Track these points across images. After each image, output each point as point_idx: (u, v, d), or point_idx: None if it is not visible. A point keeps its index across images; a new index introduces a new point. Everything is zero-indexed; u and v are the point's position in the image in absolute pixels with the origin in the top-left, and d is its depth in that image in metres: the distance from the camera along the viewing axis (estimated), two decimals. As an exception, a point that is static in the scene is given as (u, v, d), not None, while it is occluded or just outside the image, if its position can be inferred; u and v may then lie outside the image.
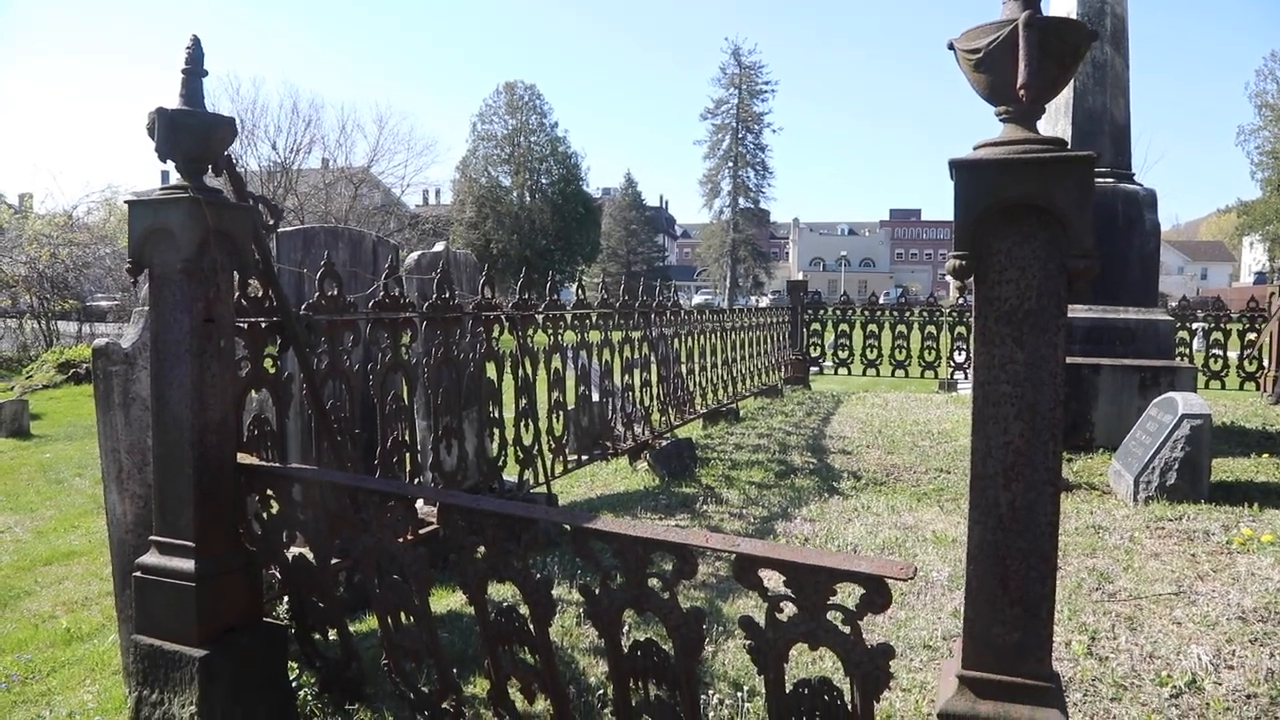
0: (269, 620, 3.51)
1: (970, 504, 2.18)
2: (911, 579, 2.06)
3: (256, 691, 3.26)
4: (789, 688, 2.35)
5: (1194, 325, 14.02)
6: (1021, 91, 2.02)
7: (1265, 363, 13.04)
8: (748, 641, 2.34)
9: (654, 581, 2.50)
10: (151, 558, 3.23)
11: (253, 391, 3.57)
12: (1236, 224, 68.30)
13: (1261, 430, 8.82)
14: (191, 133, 3.10)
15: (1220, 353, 13.55)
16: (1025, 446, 2.11)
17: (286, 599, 3.68)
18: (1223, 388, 13.21)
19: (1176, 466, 5.82)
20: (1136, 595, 4.24)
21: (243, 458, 3.36)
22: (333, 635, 3.50)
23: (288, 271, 4.46)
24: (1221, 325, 13.72)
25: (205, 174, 3.21)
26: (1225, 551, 4.82)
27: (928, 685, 3.43)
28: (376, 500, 3.07)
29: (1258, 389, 13.01)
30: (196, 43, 3.19)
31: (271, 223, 3.53)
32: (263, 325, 3.52)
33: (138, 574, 3.24)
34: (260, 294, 3.51)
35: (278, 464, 3.49)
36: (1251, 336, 13.58)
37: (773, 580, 2.26)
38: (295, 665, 3.62)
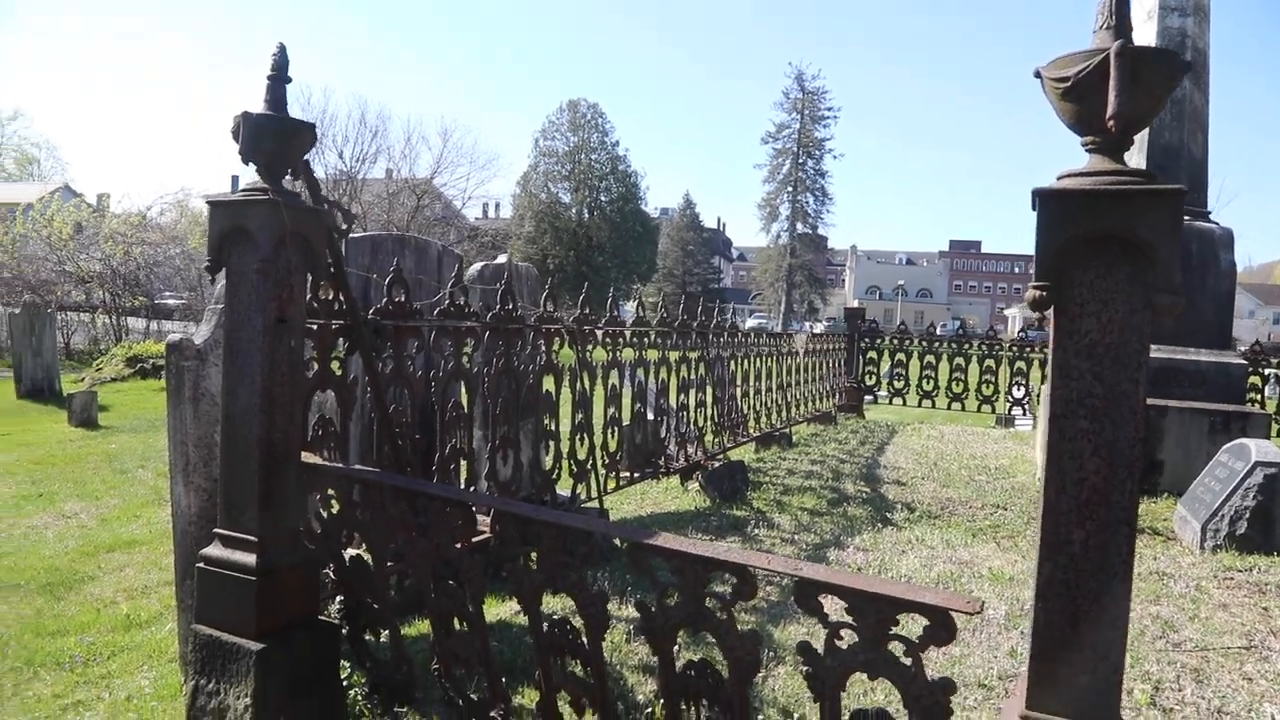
0: (323, 619, 3.55)
1: (1041, 540, 2.13)
2: (979, 613, 2.02)
3: (309, 687, 3.30)
4: (845, 717, 2.31)
5: (1266, 371, 13.58)
6: (1111, 122, 1.98)
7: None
8: (805, 668, 2.31)
9: (711, 601, 2.48)
10: (215, 550, 3.29)
11: (318, 392, 3.63)
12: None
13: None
14: (274, 137, 3.19)
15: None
16: (1101, 484, 2.06)
17: (339, 599, 3.72)
18: (1293, 437, 12.77)
19: (1248, 515, 5.63)
20: (1203, 646, 4.10)
21: (306, 457, 3.42)
22: (384, 637, 3.54)
23: (355, 276, 4.53)
24: (1293, 370, 13.27)
25: (284, 177, 3.29)
26: (1299, 606, 4.65)
27: (982, 724, 3.36)
28: (438, 506, 3.10)
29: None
30: (282, 50, 3.28)
31: (344, 227, 3.60)
32: (332, 328, 3.59)
33: (200, 565, 3.30)
34: (330, 297, 3.57)
35: (340, 464, 3.54)
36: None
37: (831, 606, 2.23)
38: (346, 664, 3.66)
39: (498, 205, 61.08)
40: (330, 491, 3.47)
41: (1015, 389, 14.44)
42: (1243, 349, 14.34)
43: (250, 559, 3.20)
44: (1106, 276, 2.05)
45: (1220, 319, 7.93)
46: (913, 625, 2.09)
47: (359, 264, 4.88)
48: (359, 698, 3.56)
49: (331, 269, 3.50)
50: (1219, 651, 4.06)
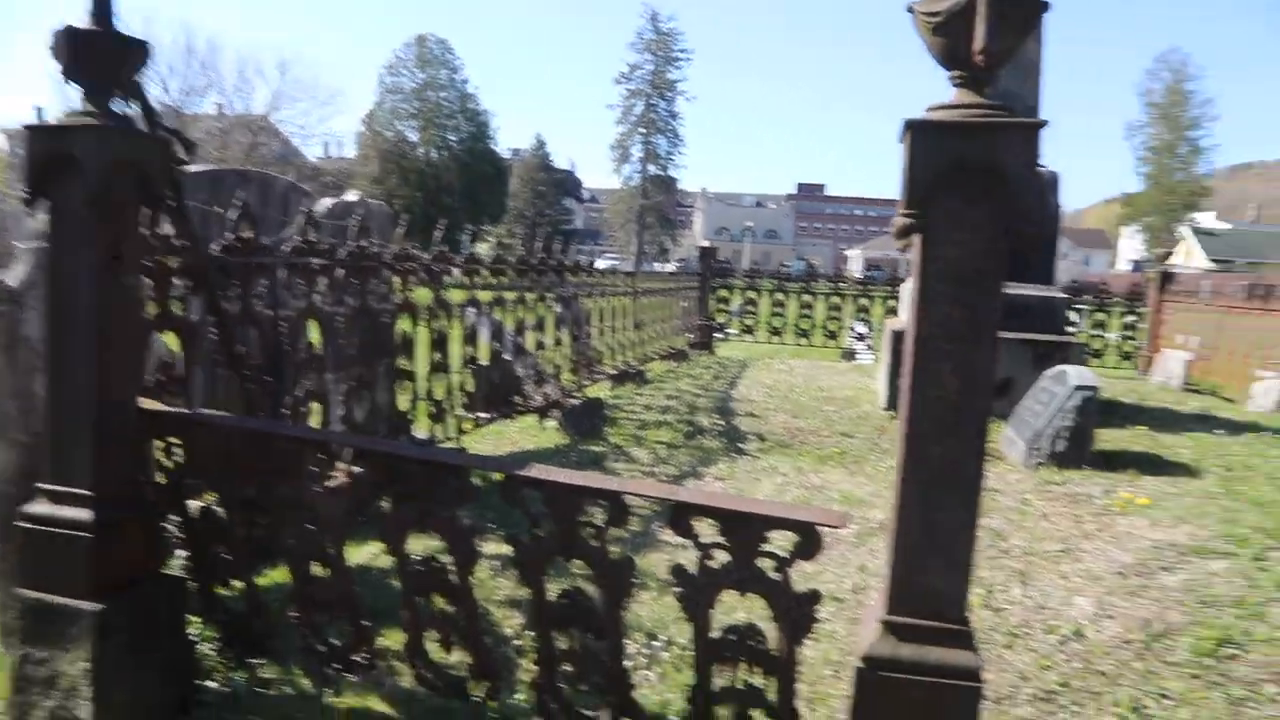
0: (167, 573, 3.36)
1: (903, 456, 2.23)
2: (845, 527, 2.11)
3: (153, 647, 3.12)
4: (716, 634, 2.39)
5: (1078, 306, 14.72)
6: (980, 56, 2.06)
7: (1142, 344, 13.94)
8: (678, 589, 2.37)
9: (584, 530, 2.50)
10: (41, 507, 3.03)
11: (159, 335, 3.40)
12: (1119, 214, 71.96)
13: (1137, 405, 9.34)
14: (100, 53, 2.90)
15: (1102, 333, 14.28)
16: (959, 402, 2.18)
17: (187, 551, 3.54)
18: (1102, 365, 13.92)
19: (1066, 434, 6.12)
20: (1028, 552, 4.47)
21: (145, 403, 3.20)
22: (237, 588, 3.39)
23: (195, 210, 4.24)
24: (1105, 308, 14.44)
25: (114, 99, 3.01)
26: (1106, 513, 5.11)
27: (836, 635, 3.56)
28: (295, 448, 2.97)
29: (1134, 367, 13.86)
30: (106, -45, 2.97)
31: (184, 157, 3.34)
32: (172, 265, 3.35)
33: (24, 524, 3.03)
34: (170, 232, 3.33)
35: (186, 410, 3.34)
36: (1131, 319, 14.40)
37: (701, 529, 2.28)
38: (195, 619, 3.49)
39: (340, 144, 58.28)
40: (176, 439, 3.26)
41: (859, 325, 15.12)
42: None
43: (84, 514, 2.97)
44: (971, 205, 2.14)
45: (1046, 256, 8.48)
46: (780, 543, 2.18)
47: (198, 199, 4.57)
48: (210, 652, 3.40)
49: (170, 201, 3.25)
50: (1040, 556, 4.45)
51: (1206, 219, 67.55)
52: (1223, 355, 11.94)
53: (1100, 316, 14.41)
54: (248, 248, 3.77)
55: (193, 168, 4.47)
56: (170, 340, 3.59)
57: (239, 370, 3.66)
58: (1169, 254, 15.74)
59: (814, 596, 2.21)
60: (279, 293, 4.28)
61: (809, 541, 2.15)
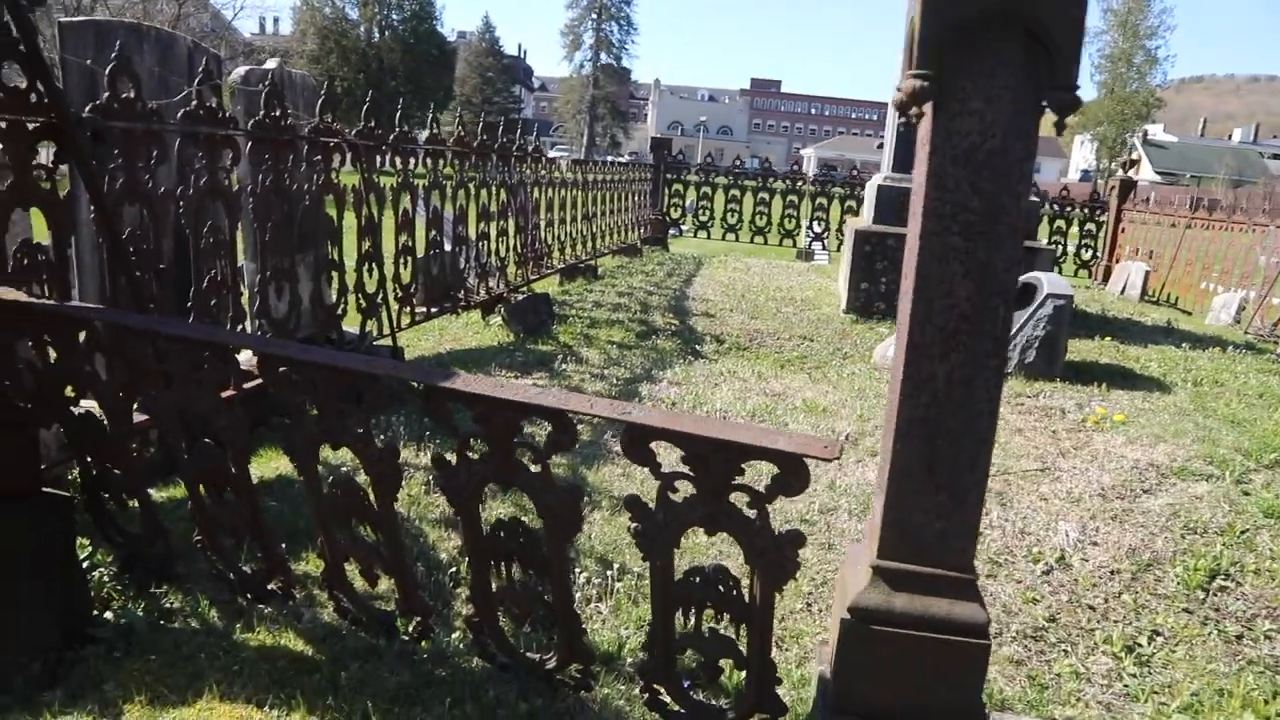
0: (50, 491, 2.91)
1: (902, 376, 1.87)
2: (838, 459, 1.75)
3: (34, 575, 2.71)
4: (678, 575, 2.05)
5: (1041, 212, 14.47)
6: None
7: (1100, 252, 13.81)
8: (633, 525, 2.00)
9: (522, 453, 2.11)
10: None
11: (20, 210, 2.87)
12: (1071, 123, 71.54)
13: (1101, 315, 9.17)
14: None
15: (1061, 240, 14.07)
16: (972, 311, 1.81)
17: (76, 464, 3.09)
18: (1060, 274, 13.73)
19: (1037, 345, 5.86)
20: (1005, 470, 4.20)
21: (4, 292, 2.70)
22: (134, 507, 2.97)
23: (75, 67, 3.64)
24: (1065, 215, 14.19)
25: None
26: (1081, 429, 4.87)
27: (808, 562, 3.26)
28: (181, 348, 2.52)
29: (1090, 276, 13.73)
30: None
31: (37, -7, 2.75)
32: (29, 126, 2.79)
33: None
34: (24, 86, 2.76)
35: (53, 301, 2.84)
36: (1090, 227, 14.19)
37: (664, 452, 1.91)
38: (88, 542, 3.06)
39: (276, 20, 55.55)
40: (46, 336, 2.78)
41: (816, 224, 14.73)
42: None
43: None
44: (996, 68, 1.73)
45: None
46: (753, 473, 1.82)
47: (81, 56, 3.95)
48: (105, 578, 2.98)
49: (22, 47, 2.68)
50: (1018, 475, 4.17)
51: (1155, 131, 67.61)
52: (1179, 268, 11.82)
53: (1059, 224, 14.17)
54: (129, 110, 3.21)
55: (74, 19, 3.86)
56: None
57: (123, 255, 3.15)
58: (1133, 163, 15.47)
59: (797, 539, 1.86)
60: (181, 169, 3.74)
61: (794, 475, 1.79)
